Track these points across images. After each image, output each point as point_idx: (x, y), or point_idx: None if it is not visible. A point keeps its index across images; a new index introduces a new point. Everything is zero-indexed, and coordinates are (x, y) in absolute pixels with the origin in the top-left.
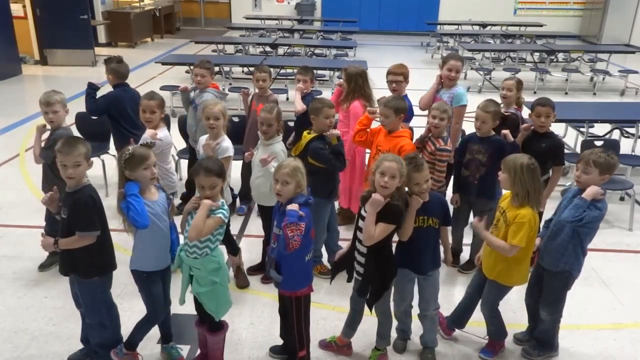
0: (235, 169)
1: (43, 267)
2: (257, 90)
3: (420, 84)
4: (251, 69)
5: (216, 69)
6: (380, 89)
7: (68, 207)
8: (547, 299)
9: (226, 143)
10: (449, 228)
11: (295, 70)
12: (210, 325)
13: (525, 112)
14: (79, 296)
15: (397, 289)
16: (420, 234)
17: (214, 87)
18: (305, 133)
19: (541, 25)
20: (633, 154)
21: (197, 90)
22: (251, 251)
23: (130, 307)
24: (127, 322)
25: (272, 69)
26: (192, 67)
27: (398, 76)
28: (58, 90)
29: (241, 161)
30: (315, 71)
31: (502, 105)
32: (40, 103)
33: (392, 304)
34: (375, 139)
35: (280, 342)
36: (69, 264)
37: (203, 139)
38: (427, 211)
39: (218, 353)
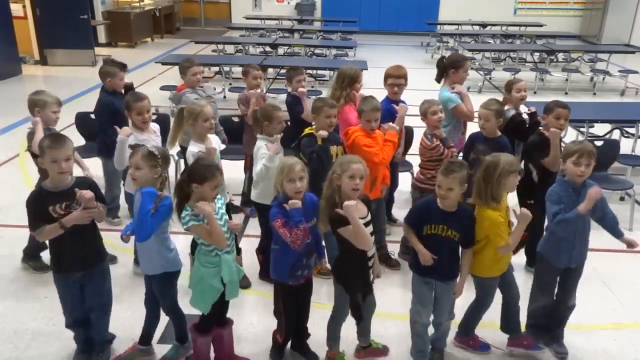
0: (234, 170)
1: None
2: (249, 90)
3: (420, 84)
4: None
5: (216, 69)
6: (377, 89)
7: (80, 198)
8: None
9: (215, 138)
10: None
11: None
12: (220, 321)
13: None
14: (93, 287)
15: (415, 292)
16: (434, 240)
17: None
18: (307, 129)
19: (541, 25)
20: (633, 154)
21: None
22: (251, 251)
23: (130, 307)
24: (127, 322)
25: (272, 69)
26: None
27: (400, 79)
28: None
29: (241, 161)
30: (315, 71)
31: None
32: (51, 104)
33: (409, 317)
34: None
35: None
36: (96, 252)
37: (194, 147)
38: (448, 222)
39: (231, 345)
